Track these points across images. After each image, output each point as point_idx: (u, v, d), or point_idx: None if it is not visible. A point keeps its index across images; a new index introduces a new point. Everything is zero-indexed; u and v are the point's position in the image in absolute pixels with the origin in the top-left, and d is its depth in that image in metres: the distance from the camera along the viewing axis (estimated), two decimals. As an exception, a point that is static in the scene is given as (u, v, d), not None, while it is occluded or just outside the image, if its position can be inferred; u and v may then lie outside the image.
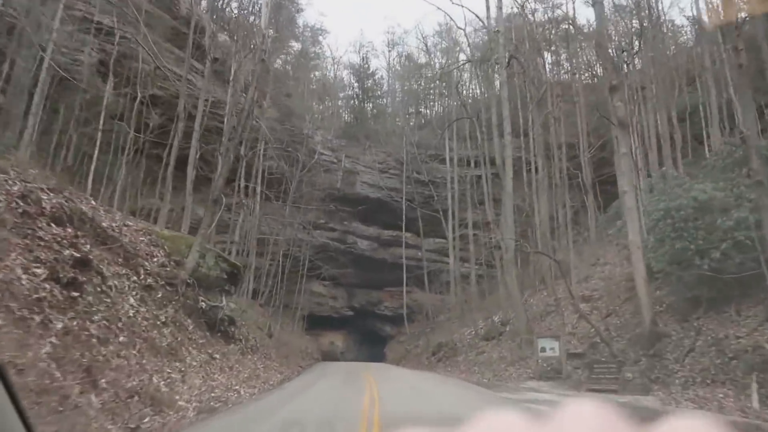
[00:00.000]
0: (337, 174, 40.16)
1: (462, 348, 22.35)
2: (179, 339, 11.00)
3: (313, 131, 39.51)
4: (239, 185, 31.40)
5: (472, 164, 39.87)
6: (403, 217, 39.80)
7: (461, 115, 43.80)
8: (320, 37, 47.32)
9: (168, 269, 11.75)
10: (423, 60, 50.41)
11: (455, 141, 38.92)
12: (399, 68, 50.34)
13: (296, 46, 46.38)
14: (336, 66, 50.86)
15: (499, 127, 24.87)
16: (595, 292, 19.45)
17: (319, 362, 31.73)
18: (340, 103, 48.95)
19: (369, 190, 41.74)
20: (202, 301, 12.33)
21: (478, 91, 50.30)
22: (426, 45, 47.07)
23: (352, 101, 47.62)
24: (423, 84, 50.54)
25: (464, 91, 45.64)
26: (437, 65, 50.11)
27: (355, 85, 47.50)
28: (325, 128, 42.52)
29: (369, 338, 44.42)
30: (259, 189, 34.67)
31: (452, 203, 35.47)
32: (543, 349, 15.35)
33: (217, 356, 12.18)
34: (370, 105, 47.47)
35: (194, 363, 10.81)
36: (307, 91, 41.28)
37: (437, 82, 49.64)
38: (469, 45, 40.71)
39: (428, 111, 50.07)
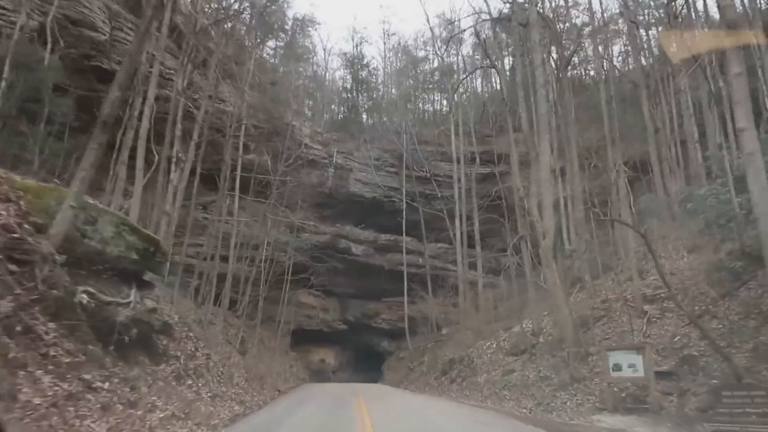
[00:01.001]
0: (327, 170, 35.29)
1: (482, 365, 17.24)
2: (18, 357, 6.02)
3: (301, 122, 34.68)
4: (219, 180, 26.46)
5: (477, 160, 35.26)
6: (404, 218, 34.85)
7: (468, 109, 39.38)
8: (310, 29, 42.69)
9: (18, 236, 6.76)
10: (422, 53, 45.94)
11: (461, 135, 34.08)
12: (395, 61, 45.90)
13: (285, 37, 41.77)
14: (327, 56, 46.20)
15: (531, 77, 20.08)
16: (659, 290, 14.48)
17: (305, 384, 26.50)
18: (332, 95, 44.14)
19: (363, 188, 36.83)
20: (83, 292, 7.32)
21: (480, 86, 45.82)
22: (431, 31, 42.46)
23: (345, 94, 42.90)
24: (422, 78, 45.99)
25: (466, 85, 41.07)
26: (436, 62, 45.80)
27: (348, 76, 42.81)
28: (314, 121, 37.70)
29: (364, 355, 39.15)
30: (237, 184, 29.76)
31: (459, 202, 30.36)
32: (617, 367, 10.35)
33: (106, 385, 7.12)
34: (365, 96, 42.76)
35: (37, 400, 5.80)
36: (295, 82, 36.46)
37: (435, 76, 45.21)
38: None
39: (430, 106, 45.49)
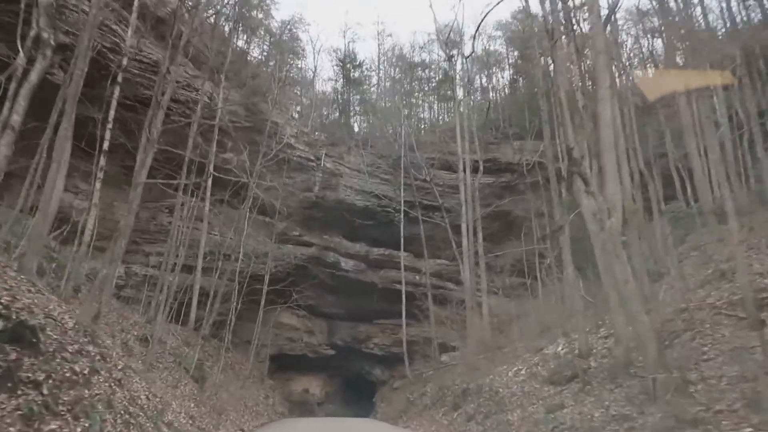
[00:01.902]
0: (314, 174, 30.99)
1: (511, 398, 12.67)
2: None
3: (285, 120, 30.50)
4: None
5: (481, 169, 31.14)
6: (401, 227, 30.53)
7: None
8: (298, 31, 38.84)
9: None
10: (417, 58, 42.28)
11: (466, 132, 29.98)
12: (390, 65, 42.16)
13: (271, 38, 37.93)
14: (317, 55, 42.13)
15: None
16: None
17: (282, 420, 21.67)
18: (321, 97, 40.10)
19: (355, 196, 32.50)
20: None
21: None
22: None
23: (335, 95, 38.89)
24: (417, 86, 42.25)
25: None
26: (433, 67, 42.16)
27: (340, 75, 38.79)
28: (301, 121, 33.54)
29: (354, 385, 34.27)
30: (209, 184, 25.42)
31: (465, 205, 26.01)
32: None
33: None
34: (357, 98, 38.74)
35: None
36: (279, 74, 32.37)
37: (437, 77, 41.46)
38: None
39: (427, 113, 41.61)
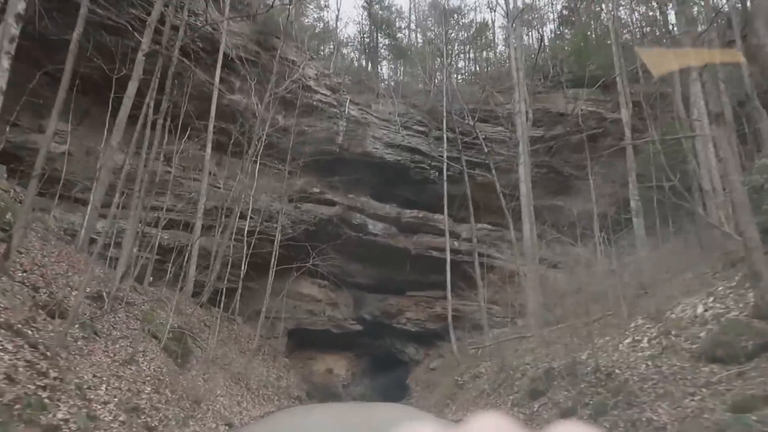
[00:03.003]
0: (338, 123, 26.27)
1: (644, 384, 7.79)
2: None
3: (304, 60, 25.72)
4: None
5: (531, 118, 25.92)
6: (444, 187, 25.49)
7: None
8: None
9: None
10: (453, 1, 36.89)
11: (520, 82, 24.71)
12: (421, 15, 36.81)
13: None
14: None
15: None
16: None
17: (295, 406, 17.20)
18: (344, 39, 35.00)
19: (384, 149, 27.71)
20: None
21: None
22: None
23: (361, 37, 33.78)
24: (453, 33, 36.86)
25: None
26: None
27: (366, 16, 33.57)
28: (322, 64, 28.70)
29: (384, 365, 29.78)
30: (211, 128, 21.02)
31: (522, 144, 20.88)
32: None
33: None
34: (386, 42, 33.67)
35: None
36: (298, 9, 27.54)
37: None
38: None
39: (464, 63, 36.29)
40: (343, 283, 27.94)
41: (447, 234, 23.23)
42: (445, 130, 24.03)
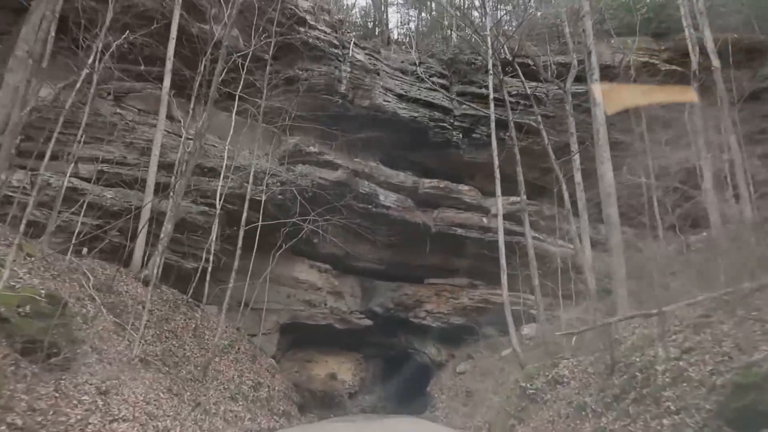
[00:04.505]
0: (340, 68, 20.79)
1: None
2: None
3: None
4: None
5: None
6: (492, 131, 18.85)
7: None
8: None
9: None
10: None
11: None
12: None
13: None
14: None
15: None
16: None
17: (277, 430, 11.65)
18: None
19: (397, 104, 22.17)
20: None
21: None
22: None
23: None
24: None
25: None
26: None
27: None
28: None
29: (400, 368, 24.14)
30: (171, 52, 15.74)
31: (596, 66, 14.80)
32: None
33: None
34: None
35: None
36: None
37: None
38: None
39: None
40: (347, 267, 22.41)
41: (499, 198, 16.88)
42: (491, 55, 18.02)
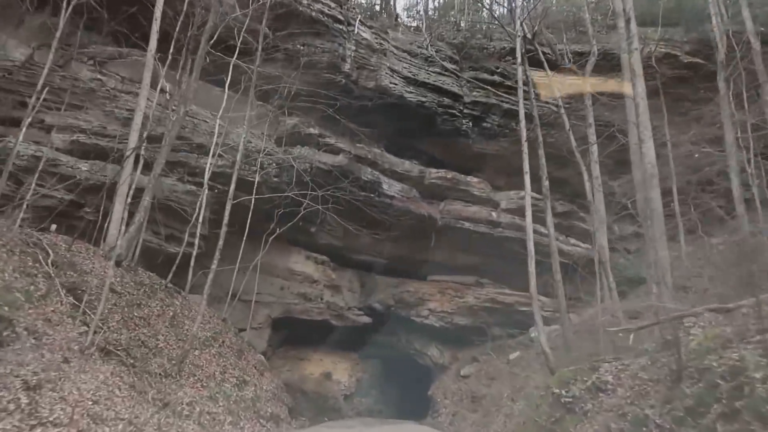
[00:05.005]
0: (344, 46, 19.24)
1: None
2: None
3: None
4: None
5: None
6: (521, 113, 17.21)
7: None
8: None
9: None
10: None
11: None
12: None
13: None
14: None
15: None
16: None
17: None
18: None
19: (404, 87, 20.60)
20: None
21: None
22: None
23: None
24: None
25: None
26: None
27: None
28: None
29: (399, 369, 22.56)
30: (159, 12, 14.15)
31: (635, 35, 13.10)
32: None
33: None
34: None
35: None
36: None
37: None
38: None
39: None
40: (345, 260, 20.79)
41: (528, 186, 14.88)
42: (518, 25, 16.22)
